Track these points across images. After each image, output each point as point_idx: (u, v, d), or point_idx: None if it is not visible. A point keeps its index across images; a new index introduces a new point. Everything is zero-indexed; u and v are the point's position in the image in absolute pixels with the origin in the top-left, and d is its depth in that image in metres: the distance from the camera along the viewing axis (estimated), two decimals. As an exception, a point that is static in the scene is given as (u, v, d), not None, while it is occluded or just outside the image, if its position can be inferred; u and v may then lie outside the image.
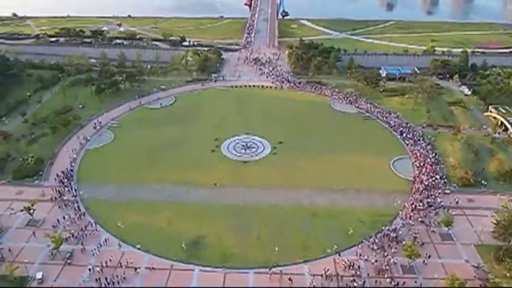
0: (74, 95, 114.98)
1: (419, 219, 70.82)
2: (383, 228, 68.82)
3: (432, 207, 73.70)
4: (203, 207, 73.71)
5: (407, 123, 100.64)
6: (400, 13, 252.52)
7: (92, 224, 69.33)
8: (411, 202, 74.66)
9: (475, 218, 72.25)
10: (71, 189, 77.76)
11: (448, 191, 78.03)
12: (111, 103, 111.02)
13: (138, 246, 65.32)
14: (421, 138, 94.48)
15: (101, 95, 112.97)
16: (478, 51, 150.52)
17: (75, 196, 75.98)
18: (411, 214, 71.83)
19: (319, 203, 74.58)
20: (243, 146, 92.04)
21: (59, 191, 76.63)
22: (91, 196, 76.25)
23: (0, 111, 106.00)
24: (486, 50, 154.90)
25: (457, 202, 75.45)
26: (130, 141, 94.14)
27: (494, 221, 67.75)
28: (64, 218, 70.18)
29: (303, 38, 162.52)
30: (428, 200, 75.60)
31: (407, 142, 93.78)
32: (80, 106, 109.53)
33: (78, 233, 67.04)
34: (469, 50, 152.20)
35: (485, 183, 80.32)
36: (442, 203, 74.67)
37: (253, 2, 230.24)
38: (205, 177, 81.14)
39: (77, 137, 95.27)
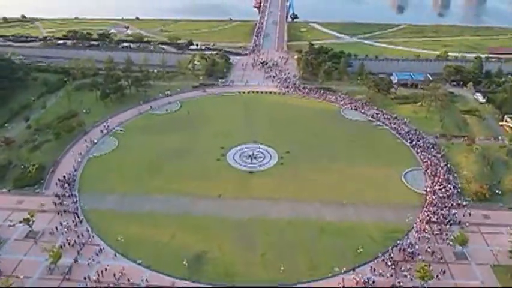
0: (79, 99, 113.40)
1: (435, 232, 68.19)
2: (398, 242, 66.11)
3: (447, 220, 70.83)
4: (207, 220, 71.19)
5: (419, 133, 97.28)
6: (411, 15, 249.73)
7: (91, 237, 67.23)
8: (425, 215, 71.57)
9: (491, 235, 68.87)
10: (72, 196, 75.92)
11: (465, 203, 74.90)
12: (116, 108, 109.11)
13: (139, 261, 63.00)
14: (433, 149, 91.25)
15: (106, 100, 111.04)
16: (493, 58, 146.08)
17: (75, 203, 74.06)
18: (426, 227, 69.12)
19: (328, 218, 71.65)
20: (249, 155, 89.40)
21: (59, 197, 75.08)
22: (92, 207, 74.08)
23: (3, 116, 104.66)
24: (501, 56, 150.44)
25: (470, 214, 72.39)
26: (134, 149, 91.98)
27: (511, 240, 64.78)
28: (62, 227, 68.20)
29: (313, 42, 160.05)
30: (443, 212, 72.64)
31: (419, 152, 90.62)
32: (85, 111, 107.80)
33: (77, 244, 65.00)
34: (482, 56, 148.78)
35: (501, 198, 76.87)
36: (456, 216, 71.57)
37: (262, 4, 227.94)
38: (210, 188, 78.67)
39: (84, 140, 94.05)
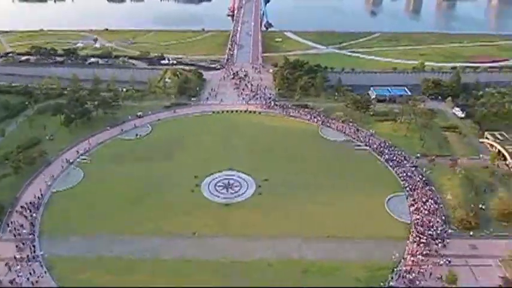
0: (43, 124, 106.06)
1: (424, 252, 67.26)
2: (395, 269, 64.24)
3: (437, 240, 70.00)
4: (181, 264, 66.01)
5: (400, 153, 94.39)
6: (384, 21, 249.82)
7: (53, 291, 61.33)
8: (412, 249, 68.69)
9: (479, 269, 65.95)
10: (32, 244, 69.35)
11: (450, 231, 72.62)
12: (82, 134, 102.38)
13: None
14: (415, 171, 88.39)
15: (71, 125, 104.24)
16: (470, 68, 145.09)
17: (34, 253, 67.64)
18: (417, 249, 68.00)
19: (310, 257, 67.37)
20: (224, 184, 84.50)
21: (17, 246, 68.41)
22: (55, 253, 67.64)
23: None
24: (478, 64, 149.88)
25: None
26: (101, 182, 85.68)
27: (502, 275, 62.14)
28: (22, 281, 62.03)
29: (288, 54, 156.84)
30: (430, 232, 71.41)
31: (401, 175, 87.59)
32: (48, 138, 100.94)
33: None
34: (458, 65, 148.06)
35: (487, 225, 74.22)
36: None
37: (235, 13, 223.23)
38: (184, 225, 73.49)
39: (47, 173, 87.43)
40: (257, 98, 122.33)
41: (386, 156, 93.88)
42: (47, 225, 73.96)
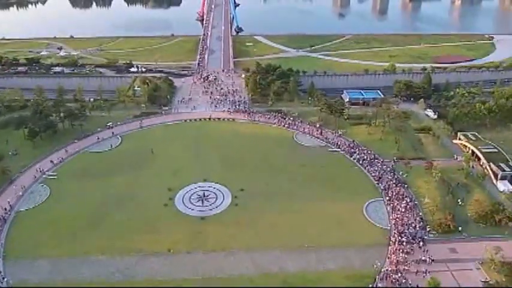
0: (5, 139, 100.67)
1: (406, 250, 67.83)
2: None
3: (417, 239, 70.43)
4: (155, 283, 62.85)
5: (376, 157, 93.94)
6: (352, 23, 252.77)
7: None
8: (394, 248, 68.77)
9: (460, 273, 65.69)
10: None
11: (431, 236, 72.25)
12: (47, 148, 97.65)
13: None
14: (392, 175, 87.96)
15: (35, 139, 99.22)
16: (439, 68, 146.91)
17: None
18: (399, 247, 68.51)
19: (290, 268, 65.42)
20: (199, 196, 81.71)
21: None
22: (20, 279, 63.45)
23: None
24: (447, 65, 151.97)
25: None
26: (69, 199, 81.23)
27: (483, 279, 62.00)
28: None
29: (260, 58, 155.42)
30: (410, 230, 72.30)
31: (378, 179, 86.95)
32: (11, 153, 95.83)
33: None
34: (427, 65, 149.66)
35: (464, 227, 74.09)
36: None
37: (205, 18, 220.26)
38: (159, 242, 70.19)
39: (10, 191, 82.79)
40: (228, 102, 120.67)
41: (361, 159, 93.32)
42: (12, 250, 69.26)
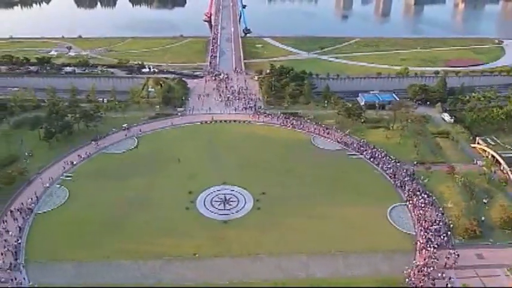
0: (20, 139, 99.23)
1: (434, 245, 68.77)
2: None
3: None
4: (183, 288, 62.03)
5: (397, 161, 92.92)
6: (357, 25, 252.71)
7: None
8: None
9: (489, 279, 64.95)
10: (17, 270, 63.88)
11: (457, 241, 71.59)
12: (63, 149, 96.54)
13: None
14: (413, 180, 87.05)
15: (51, 140, 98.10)
16: (452, 72, 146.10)
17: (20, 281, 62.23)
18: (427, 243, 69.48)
19: (318, 274, 64.54)
20: (220, 199, 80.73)
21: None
22: (43, 282, 62.38)
23: None
24: (459, 68, 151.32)
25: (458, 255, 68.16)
26: (88, 201, 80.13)
27: (513, 286, 61.18)
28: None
29: (270, 60, 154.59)
30: (435, 227, 73.13)
31: (399, 184, 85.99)
32: (26, 154, 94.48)
33: None
34: (439, 69, 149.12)
35: (491, 233, 73.39)
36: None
37: (213, 19, 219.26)
38: (182, 246, 69.31)
39: (29, 193, 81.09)
40: (240, 101, 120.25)
41: (381, 164, 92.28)
42: (33, 253, 68.10)
